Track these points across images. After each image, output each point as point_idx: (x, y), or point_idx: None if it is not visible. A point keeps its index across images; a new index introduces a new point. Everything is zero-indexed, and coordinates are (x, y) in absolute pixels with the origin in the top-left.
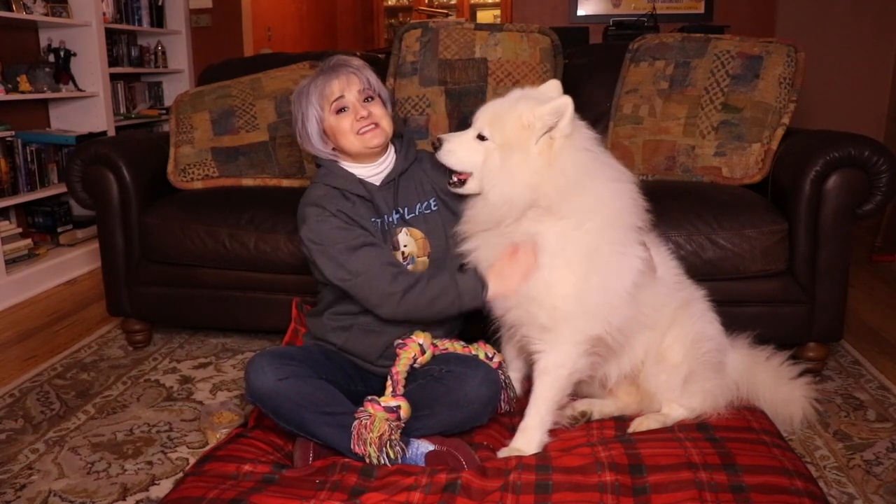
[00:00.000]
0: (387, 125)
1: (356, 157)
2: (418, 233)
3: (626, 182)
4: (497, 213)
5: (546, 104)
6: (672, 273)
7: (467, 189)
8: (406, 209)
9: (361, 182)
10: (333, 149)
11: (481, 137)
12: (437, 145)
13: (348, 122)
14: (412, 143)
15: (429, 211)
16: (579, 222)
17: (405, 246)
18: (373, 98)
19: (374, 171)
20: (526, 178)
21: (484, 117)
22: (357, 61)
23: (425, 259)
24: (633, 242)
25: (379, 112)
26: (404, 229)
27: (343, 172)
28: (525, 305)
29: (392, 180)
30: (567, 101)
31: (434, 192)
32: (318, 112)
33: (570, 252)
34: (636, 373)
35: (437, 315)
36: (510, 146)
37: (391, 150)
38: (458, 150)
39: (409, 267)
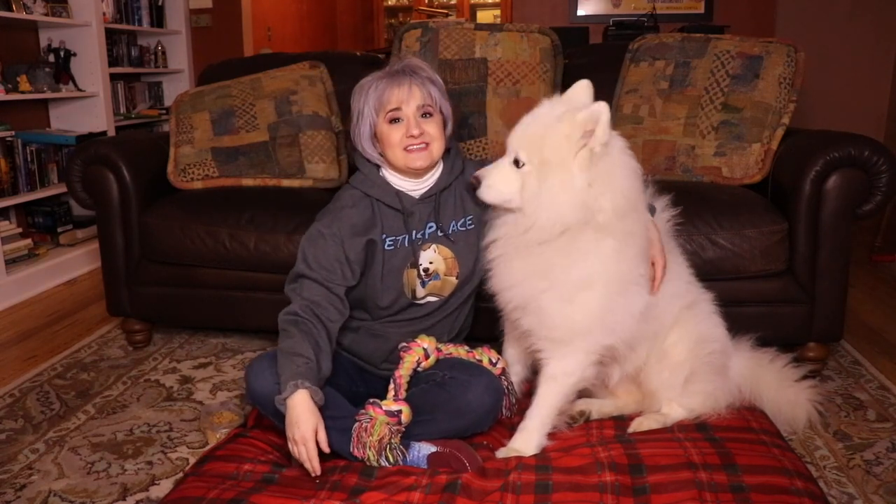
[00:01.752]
0: (437, 148)
1: (400, 171)
2: (448, 252)
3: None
4: (545, 234)
5: (579, 113)
6: (682, 278)
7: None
8: (442, 225)
9: (398, 194)
10: (381, 153)
11: (517, 163)
12: (477, 184)
13: (399, 134)
14: (459, 156)
15: (464, 229)
16: (620, 247)
17: (431, 263)
18: (431, 115)
19: (416, 186)
20: (570, 198)
21: (516, 140)
22: (426, 70)
23: (453, 280)
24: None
25: (433, 132)
26: (433, 246)
27: (381, 181)
28: (540, 316)
29: (433, 195)
30: (602, 107)
31: (473, 210)
32: (373, 116)
33: (605, 279)
34: (637, 372)
35: None
36: (548, 166)
37: (439, 165)
38: (496, 184)
39: (433, 282)
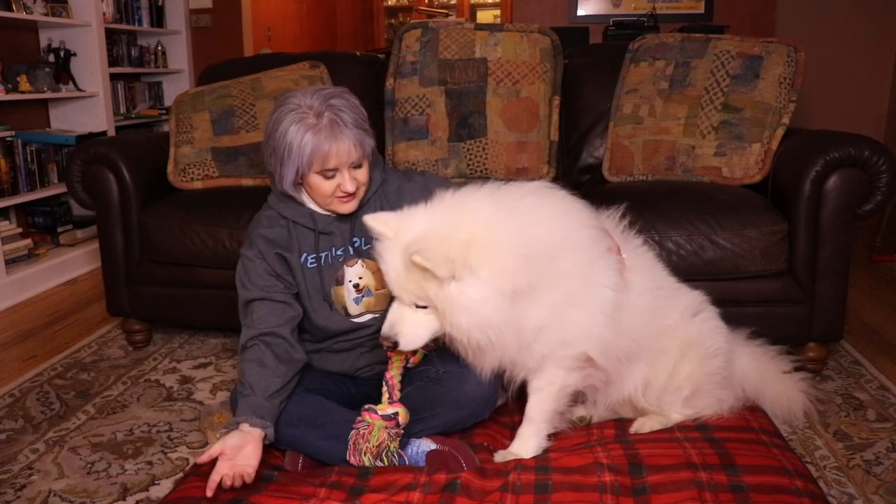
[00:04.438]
0: (362, 192)
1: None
2: (374, 265)
3: (556, 201)
4: (495, 341)
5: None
6: (656, 298)
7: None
8: (363, 239)
9: (311, 214)
10: (301, 187)
11: (420, 306)
12: (392, 345)
13: (331, 187)
14: (379, 166)
15: None
16: (554, 281)
17: (360, 278)
18: (362, 165)
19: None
20: (483, 311)
21: (402, 292)
22: (349, 111)
23: (386, 292)
24: (604, 269)
25: (363, 178)
26: (359, 262)
27: (293, 203)
28: (509, 360)
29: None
30: (415, 259)
31: None
32: (303, 166)
33: (551, 311)
34: (634, 396)
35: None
36: (439, 307)
37: None
38: (416, 335)
39: (367, 299)
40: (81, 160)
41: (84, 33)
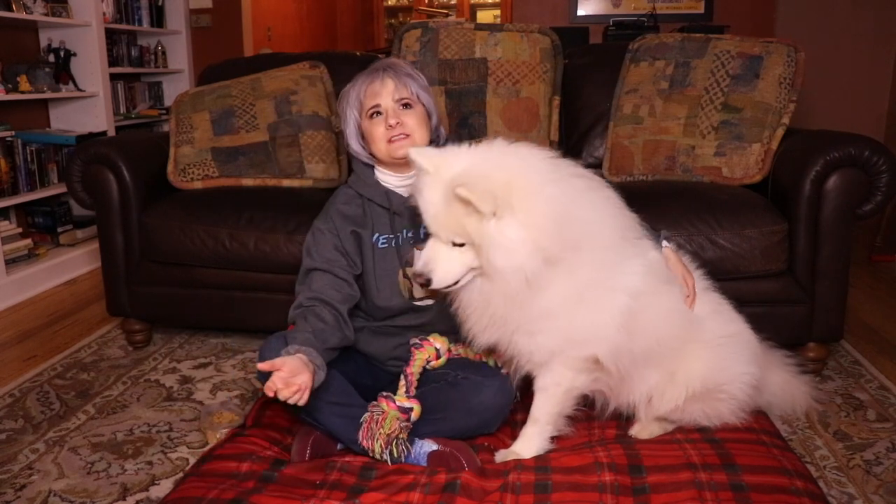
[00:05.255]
0: (420, 138)
1: (387, 165)
2: None
3: (604, 196)
4: (512, 292)
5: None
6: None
7: (461, 285)
8: None
9: (387, 194)
10: (371, 153)
11: (456, 244)
12: (425, 281)
13: (381, 129)
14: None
15: None
16: (574, 266)
17: None
18: (411, 106)
19: (405, 182)
20: (516, 254)
21: (438, 227)
22: (403, 66)
23: None
24: (623, 273)
25: (413, 122)
26: None
27: (372, 181)
28: (514, 348)
29: None
30: (459, 190)
31: None
32: (356, 115)
33: (563, 302)
34: (646, 400)
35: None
36: (478, 244)
37: None
38: (449, 270)
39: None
40: (81, 160)
41: (84, 33)
